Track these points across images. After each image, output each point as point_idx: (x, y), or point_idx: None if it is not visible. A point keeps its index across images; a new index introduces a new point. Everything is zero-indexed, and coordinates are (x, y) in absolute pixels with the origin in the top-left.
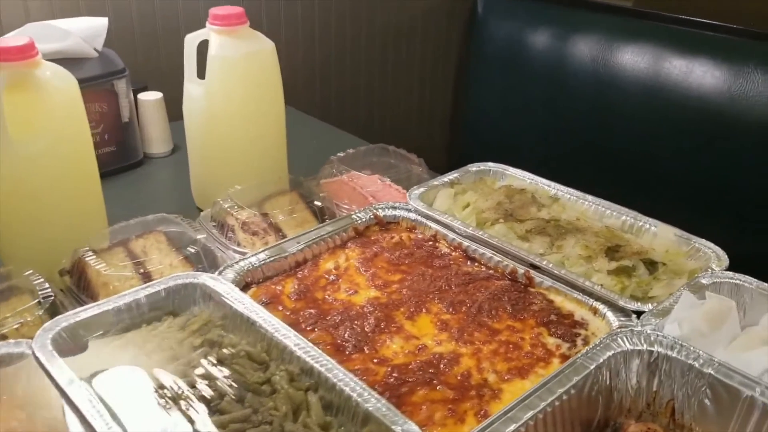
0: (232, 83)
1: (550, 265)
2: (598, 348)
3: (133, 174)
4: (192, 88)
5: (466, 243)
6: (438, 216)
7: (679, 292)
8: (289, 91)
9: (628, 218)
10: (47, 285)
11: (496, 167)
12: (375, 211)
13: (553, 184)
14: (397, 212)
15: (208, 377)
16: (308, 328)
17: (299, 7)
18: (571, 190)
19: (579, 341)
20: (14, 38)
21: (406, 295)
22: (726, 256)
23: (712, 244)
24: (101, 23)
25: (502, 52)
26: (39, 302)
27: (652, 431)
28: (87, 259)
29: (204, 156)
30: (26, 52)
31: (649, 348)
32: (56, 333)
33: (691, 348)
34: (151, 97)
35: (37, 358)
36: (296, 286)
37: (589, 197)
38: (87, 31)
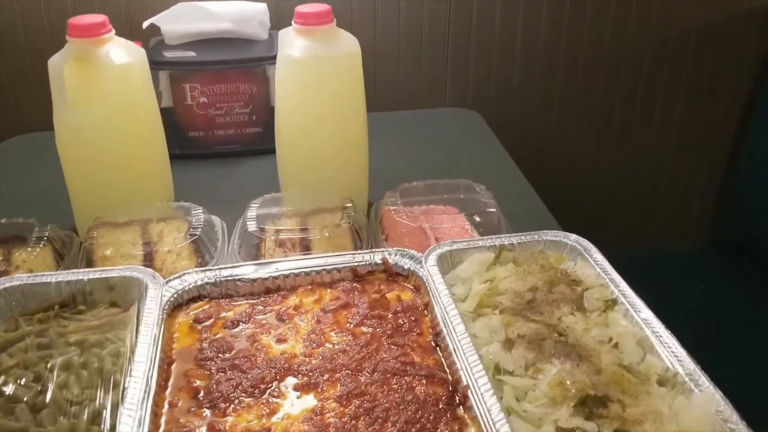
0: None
1: (489, 392)
2: None
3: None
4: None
5: (440, 327)
6: (438, 284)
7: None
8: None
9: (678, 369)
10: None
11: (577, 243)
12: (387, 255)
13: (623, 284)
14: (411, 264)
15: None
16: (202, 358)
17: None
18: (643, 308)
19: None
20: (85, 17)
21: (321, 361)
22: None
23: None
24: (260, 8)
25: None
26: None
27: None
28: (94, 230)
29: (292, 153)
30: (93, 30)
31: None
32: None
33: None
34: None
35: None
36: (242, 314)
37: (658, 328)
38: (239, 14)
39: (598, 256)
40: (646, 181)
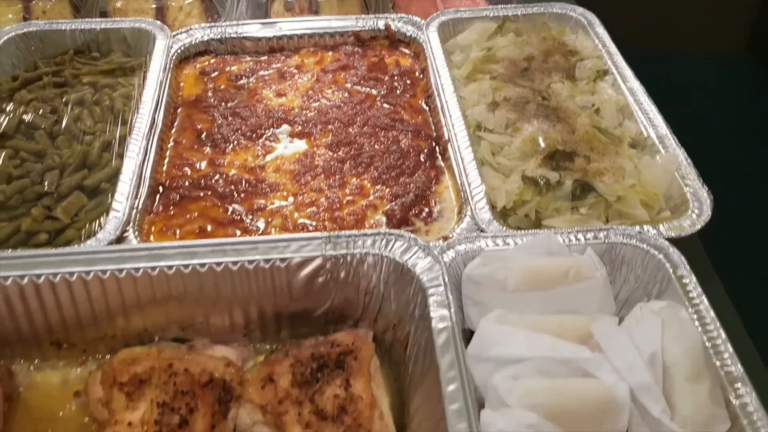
0: None
1: (467, 146)
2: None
3: None
4: None
5: (432, 89)
6: (436, 50)
7: (552, 233)
8: None
9: (650, 132)
10: None
11: (582, 17)
12: (390, 21)
13: (618, 56)
14: (413, 31)
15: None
16: (206, 105)
17: None
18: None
19: (419, 221)
20: None
21: (316, 114)
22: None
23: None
24: None
25: None
26: None
27: (359, 339)
28: None
29: None
30: None
31: (429, 276)
32: None
33: (448, 296)
34: None
35: None
36: (246, 70)
37: (641, 96)
38: None
39: (600, 30)
40: None
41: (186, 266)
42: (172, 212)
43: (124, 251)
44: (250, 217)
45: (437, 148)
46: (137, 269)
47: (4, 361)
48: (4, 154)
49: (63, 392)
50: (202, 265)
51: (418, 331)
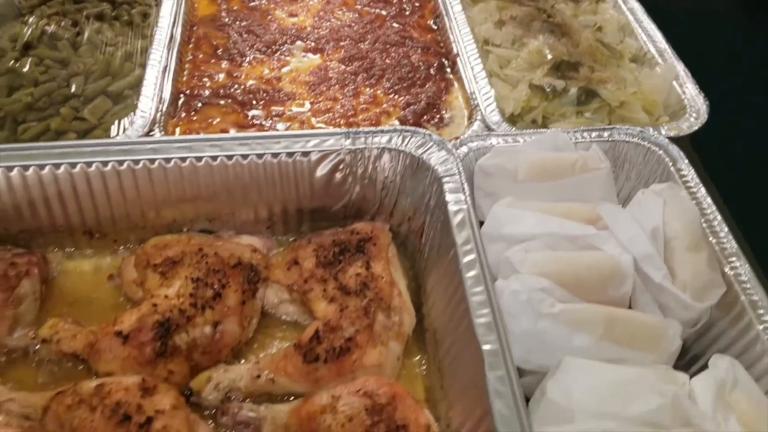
0: None
1: (476, 58)
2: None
3: None
4: None
5: (440, 10)
6: None
7: (561, 131)
8: None
9: (649, 48)
10: None
11: None
12: None
13: None
14: None
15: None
16: (221, 24)
17: None
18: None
19: (431, 126)
20: None
21: (328, 32)
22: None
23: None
24: None
25: None
26: None
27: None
28: None
29: None
30: None
31: (444, 166)
32: None
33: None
34: None
35: None
36: None
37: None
38: None
39: None
40: None
41: (214, 158)
42: (194, 117)
43: (156, 142)
44: (270, 122)
45: (446, 63)
46: (168, 160)
47: (38, 250)
48: (30, 60)
49: (95, 278)
50: (230, 157)
51: (434, 219)
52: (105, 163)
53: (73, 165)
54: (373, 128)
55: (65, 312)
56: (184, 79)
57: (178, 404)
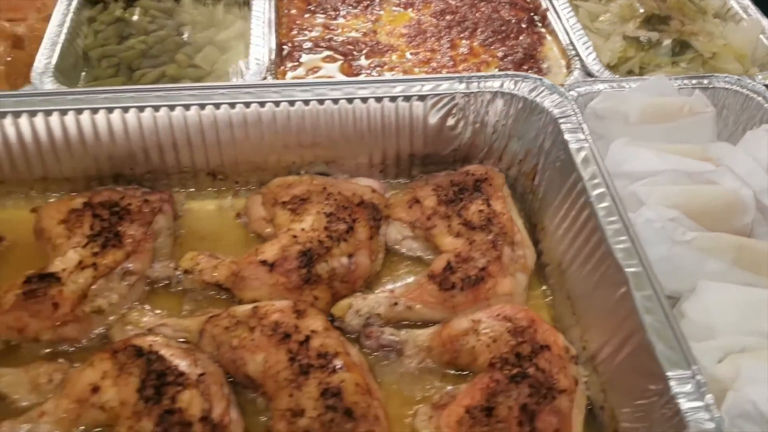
0: None
1: (568, 10)
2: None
3: None
4: None
5: None
6: None
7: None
8: None
9: (732, 4)
10: None
11: None
12: None
13: None
14: None
15: None
16: None
17: None
18: None
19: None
20: None
21: None
22: None
23: None
24: None
25: None
26: None
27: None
28: None
29: None
30: None
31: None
32: None
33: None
34: None
35: None
36: None
37: None
38: None
39: None
40: None
41: (335, 101)
42: (300, 66)
43: (279, 85)
44: (376, 72)
45: (535, 18)
46: (292, 102)
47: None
48: (138, 10)
49: (220, 216)
50: (350, 100)
51: (549, 159)
52: (233, 105)
53: (203, 107)
54: (485, 73)
55: (197, 246)
56: (283, 31)
57: (328, 326)
